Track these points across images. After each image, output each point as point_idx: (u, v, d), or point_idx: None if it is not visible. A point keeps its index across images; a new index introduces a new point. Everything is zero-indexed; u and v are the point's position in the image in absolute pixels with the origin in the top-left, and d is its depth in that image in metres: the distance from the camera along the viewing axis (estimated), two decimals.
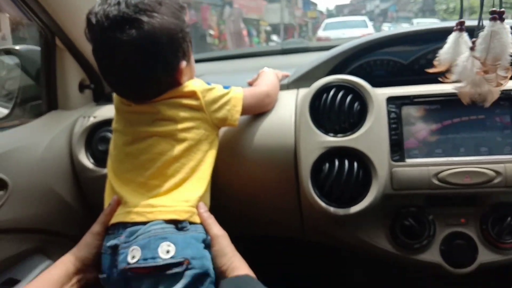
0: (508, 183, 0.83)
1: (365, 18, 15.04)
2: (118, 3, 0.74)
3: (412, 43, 1.04)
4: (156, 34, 0.75)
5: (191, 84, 0.84)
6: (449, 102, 0.88)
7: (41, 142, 1.03)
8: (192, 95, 0.83)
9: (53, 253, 1.04)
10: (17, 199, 0.95)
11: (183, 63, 0.82)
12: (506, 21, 0.68)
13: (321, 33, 13.73)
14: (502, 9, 0.68)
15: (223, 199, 0.90)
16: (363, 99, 0.90)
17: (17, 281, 0.96)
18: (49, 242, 1.06)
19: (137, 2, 0.74)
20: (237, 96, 0.88)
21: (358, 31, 11.01)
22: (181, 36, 0.80)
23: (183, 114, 0.82)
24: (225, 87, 0.88)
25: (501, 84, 0.72)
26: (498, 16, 0.68)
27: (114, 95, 0.87)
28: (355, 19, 15.38)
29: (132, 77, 0.78)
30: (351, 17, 18.80)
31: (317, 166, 0.87)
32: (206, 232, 0.80)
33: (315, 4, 46.85)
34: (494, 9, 0.68)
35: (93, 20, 0.75)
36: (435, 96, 0.89)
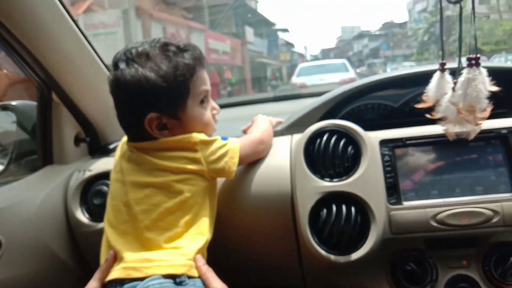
0: (506, 222, 0.82)
1: (344, 61, 12.45)
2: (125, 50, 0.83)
3: (401, 86, 1.07)
4: (126, 83, 0.80)
5: (190, 136, 0.84)
6: (441, 143, 0.89)
7: (35, 198, 1.02)
8: (191, 147, 0.83)
9: None
10: (11, 258, 0.93)
11: (151, 115, 0.81)
12: (482, 64, 0.72)
13: (295, 79, 11.66)
14: (478, 55, 0.72)
15: (221, 248, 0.89)
16: (357, 143, 0.90)
17: None
18: None
19: (134, 51, 0.82)
20: (234, 148, 0.88)
21: (338, 76, 9.44)
22: (158, 89, 0.79)
23: (180, 165, 0.82)
24: (223, 138, 0.88)
25: (480, 124, 0.78)
26: (474, 62, 0.72)
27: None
28: (334, 63, 13.21)
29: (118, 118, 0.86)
30: (328, 60, 16.39)
31: (314, 212, 0.87)
32: (206, 286, 0.78)
33: (291, 45, 42.02)
34: (470, 55, 0.72)
35: None
36: (426, 137, 0.90)
